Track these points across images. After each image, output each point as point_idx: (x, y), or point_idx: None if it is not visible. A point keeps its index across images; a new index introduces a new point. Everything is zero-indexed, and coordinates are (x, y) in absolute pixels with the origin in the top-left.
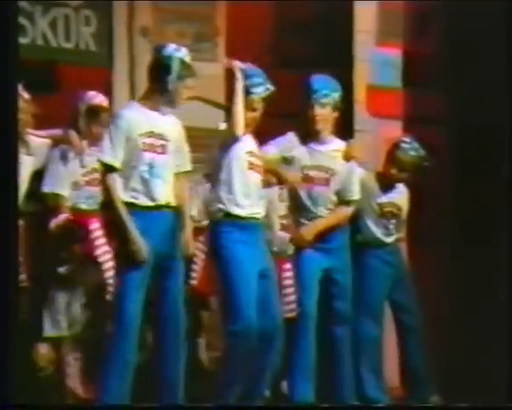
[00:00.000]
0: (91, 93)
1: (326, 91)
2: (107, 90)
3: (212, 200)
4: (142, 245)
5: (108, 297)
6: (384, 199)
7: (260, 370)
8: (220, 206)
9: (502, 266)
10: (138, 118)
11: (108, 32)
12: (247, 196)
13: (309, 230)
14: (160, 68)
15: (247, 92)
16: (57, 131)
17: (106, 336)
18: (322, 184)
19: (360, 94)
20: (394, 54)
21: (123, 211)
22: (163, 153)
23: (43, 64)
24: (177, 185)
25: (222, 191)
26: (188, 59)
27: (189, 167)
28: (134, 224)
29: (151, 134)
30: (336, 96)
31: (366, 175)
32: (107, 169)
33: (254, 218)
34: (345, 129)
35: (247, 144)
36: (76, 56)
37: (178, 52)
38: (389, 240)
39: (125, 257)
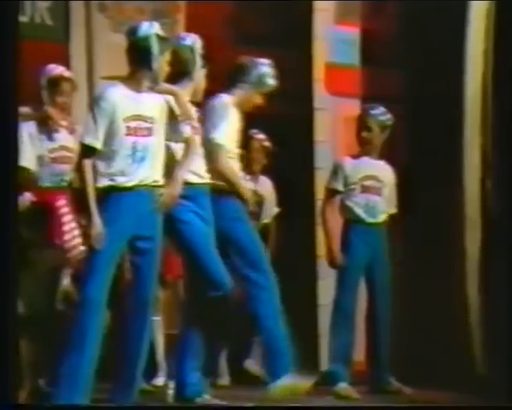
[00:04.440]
0: (50, 66)
1: None
2: (64, 66)
3: None
4: (99, 233)
5: (67, 278)
6: (361, 173)
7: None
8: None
9: (460, 252)
10: (123, 101)
11: (65, 7)
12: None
13: None
14: (140, 49)
15: None
16: (25, 110)
17: (63, 317)
18: None
19: (319, 72)
20: (353, 32)
21: (91, 196)
22: (149, 135)
23: None
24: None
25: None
26: (162, 32)
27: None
28: (109, 206)
29: (137, 117)
30: None
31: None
32: (87, 151)
33: (200, 183)
34: (304, 107)
35: None
36: (31, 30)
37: (153, 28)
38: (371, 220)
39: (86, 239)
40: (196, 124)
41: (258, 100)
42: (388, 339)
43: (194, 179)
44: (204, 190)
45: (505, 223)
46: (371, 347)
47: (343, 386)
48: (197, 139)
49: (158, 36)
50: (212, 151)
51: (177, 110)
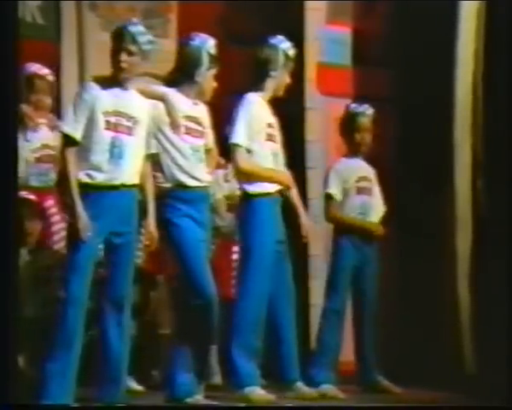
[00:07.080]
0: (27, 64)
1: None
2: (55, 64)
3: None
4: (85, 224)
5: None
6: (356, 174)
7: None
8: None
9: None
10: (105, 95)
11: (56, 6)
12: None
13: None
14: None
15: None
16: None
17: (54, 316)
18: None
19: (310, 72)
20: (344, 32)
21: (74, 187)
22: (129, 134)
23: None
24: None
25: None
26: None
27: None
28: (88, 204)
29: (117, 113)
30: None
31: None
32: (67, 140)
33: (198, 187)
34: (295, 107)
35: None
36: (22, 29)
37: (134, 27)
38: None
39: (71, 234)
40: (198, 127)
41: (287, 79)
42: (374, 338)
43: (191, 183)
44: (202, 193)
45: (496, 223)
46: (358, 346)
47: (328, 387)
48: (200, 143)
49: (140, 32)
50: (231, 153)
51: (166, 117)
